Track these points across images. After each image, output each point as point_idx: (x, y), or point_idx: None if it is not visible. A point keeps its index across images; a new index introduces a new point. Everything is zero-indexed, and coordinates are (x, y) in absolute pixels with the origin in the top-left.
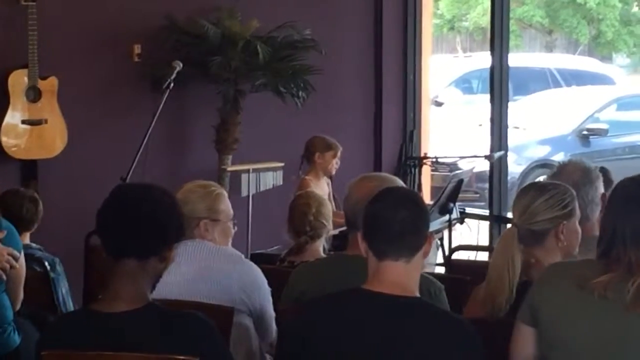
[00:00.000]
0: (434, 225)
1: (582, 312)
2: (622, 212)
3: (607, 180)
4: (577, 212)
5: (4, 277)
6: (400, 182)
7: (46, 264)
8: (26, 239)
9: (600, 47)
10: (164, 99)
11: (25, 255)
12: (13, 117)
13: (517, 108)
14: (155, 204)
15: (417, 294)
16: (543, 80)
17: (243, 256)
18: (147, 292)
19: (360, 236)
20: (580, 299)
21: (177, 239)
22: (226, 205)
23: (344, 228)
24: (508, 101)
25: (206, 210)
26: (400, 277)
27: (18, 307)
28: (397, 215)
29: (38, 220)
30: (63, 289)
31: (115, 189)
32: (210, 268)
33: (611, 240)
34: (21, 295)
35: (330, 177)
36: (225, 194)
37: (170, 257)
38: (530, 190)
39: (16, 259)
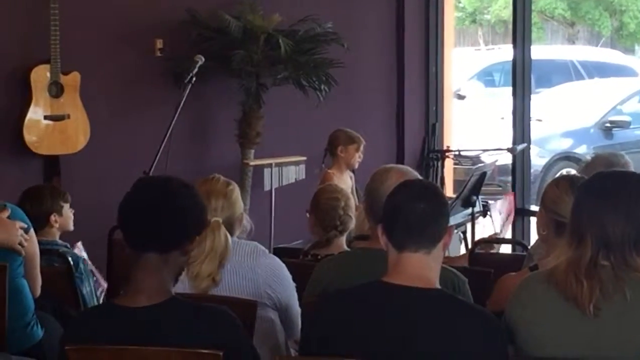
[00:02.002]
0: (456, 219)
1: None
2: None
3: None
4: None
5: (23, 252)
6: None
7: (70, 259)
8: (56, 236)
9: (622, 39)
10: (186, 93)
11: (50, 250)
12: (35, 112)
13: (540, 100)
14: (176, 197)
15: (438, 286)
16: (565, 72)
17: (267, 251)
18: (170, 286)
19: (380, 229)
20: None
21: (198, 232)
22: None
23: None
24: (530, 94)
25: (242, 206)
26: (420, 268)
27: (38, 292)
28: (416, 207)
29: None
30: (87, 287)
31: (136, 182)
32: (235, 262)
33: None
34: (39, 279)
35: (353, 171)
36: None
37: (192, 250)
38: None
39: (27, 232)
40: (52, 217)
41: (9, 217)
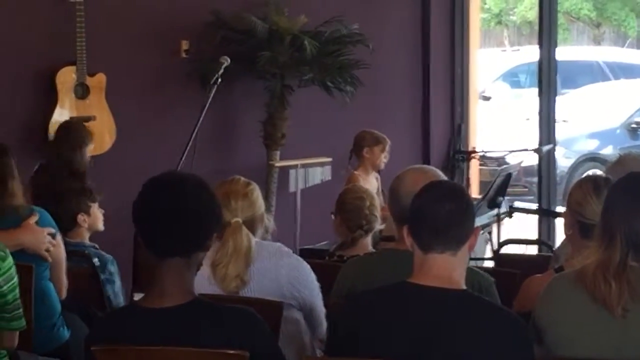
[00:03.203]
0: (482, 220)
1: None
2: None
3: None
4: None
5: (50, 258)
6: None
7: (95, 260)
8: (85, 236)
9: None
10: (212, 94)
11: (76, 252)
12: (61, 114)
13: (566, 101)
14: (192, 199)
15: (464, 287)
16: (591, 73)
17: (291, 251)
18: (193, 286)
19: (406, 230)
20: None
21: (218, 229)
22: None
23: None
24: (556, 95)
25: (263, 206)
26: (446, 270)
27: (64, 295)
28: (442, 208)
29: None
30: (115, 287)
31: (147, 186)
32: (259, 263)
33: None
34: (65, 282)
35: (379, 172)
36: None
37: (211, 245)
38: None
39: (54, 238)
40: (80, 217)
41: (37, 223)
